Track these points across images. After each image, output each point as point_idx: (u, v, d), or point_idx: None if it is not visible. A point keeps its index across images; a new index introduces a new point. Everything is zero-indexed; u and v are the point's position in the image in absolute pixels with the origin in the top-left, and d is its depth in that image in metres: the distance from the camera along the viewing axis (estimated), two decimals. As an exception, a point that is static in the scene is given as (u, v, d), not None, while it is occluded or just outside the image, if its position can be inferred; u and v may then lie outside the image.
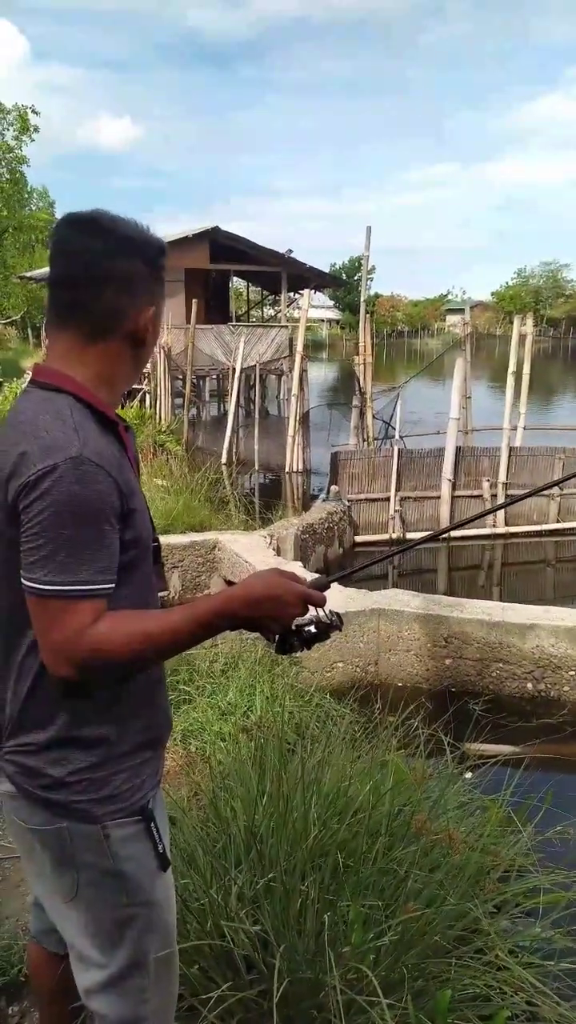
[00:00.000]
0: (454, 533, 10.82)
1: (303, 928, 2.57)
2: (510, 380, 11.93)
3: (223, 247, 27.74)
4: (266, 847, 2.77)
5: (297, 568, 7.07)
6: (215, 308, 30.33)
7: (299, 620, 1.62)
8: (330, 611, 1.67)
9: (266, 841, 2.80)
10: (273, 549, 7.59)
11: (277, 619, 1.57)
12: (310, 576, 1.80)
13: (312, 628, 1.65)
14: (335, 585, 6.46)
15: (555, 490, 11.20)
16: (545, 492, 11.11)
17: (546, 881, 3.05)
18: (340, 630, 1.71)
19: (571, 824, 3.51)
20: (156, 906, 1.73)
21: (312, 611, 1.63)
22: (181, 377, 19.88)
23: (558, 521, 11.30)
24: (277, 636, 1.63)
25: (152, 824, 1.67)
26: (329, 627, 1.67)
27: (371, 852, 2.82)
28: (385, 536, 10.79)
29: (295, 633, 1.64)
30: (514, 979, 2.54)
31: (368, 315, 13.29)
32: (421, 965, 2.68)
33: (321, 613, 1.65)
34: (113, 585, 1.49)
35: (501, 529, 11.14)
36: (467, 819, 3.36)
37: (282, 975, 2.41)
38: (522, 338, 12.47)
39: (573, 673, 5.86)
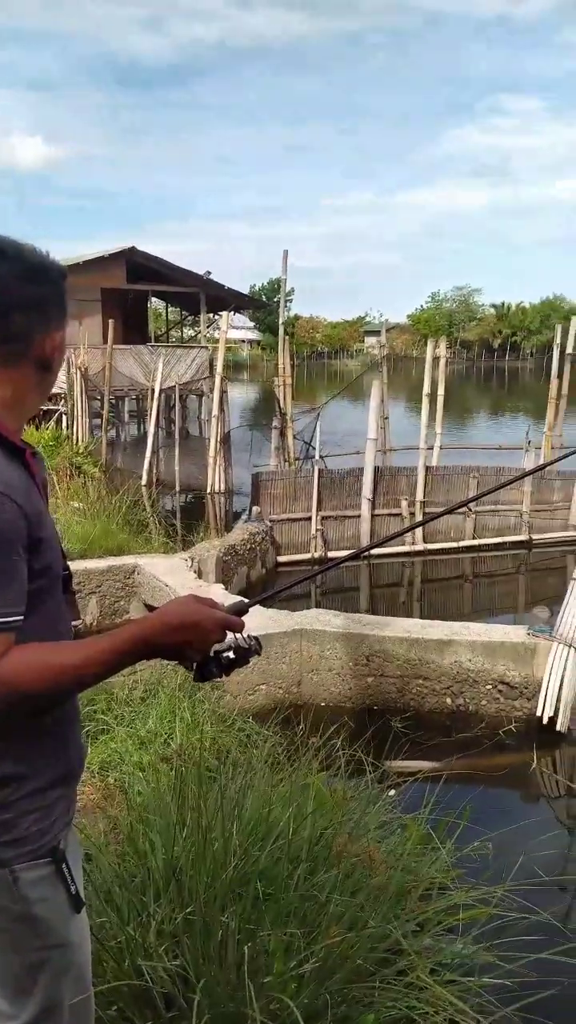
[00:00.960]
0: (375, 551, 10.98)
1: (224, 960, 2.52)
2: (425, 401, 12.24)
3: (141, 267, 27.63)
4: (186, 879, 2.71)
5: (219, 590, 7.02)
6: (133, 328, 30.12)
7: (217, 646, 1.60)
8: (248, 636, 1.66)
9: (186, 873, 2.74)
10: (194, 571, 7.52)
11: (195, 646, 1.55)
12: (232, 599, 1.79)
13: (230, 654, 1.64)
14: (257, 607, 6.42)
15: (471, 508, 11.52)
16: (460, 510, 11.40)
17: (466, 897, 3.09)
18: (259, 654, 1.70)
19: (489, 839, 3.58)
20: (70, 948, 1.67)
21: (230, 636, 1.62)
22: (99, 397, 19.58)
23: (474, 538, 11.61)
24: (196, 663, 1.61)
25: (64, 865, 1.62)
26: (248, 652, 1.66)
27: (292, 878, 2.79)
28: (307, 556, 10.85)
29: (214, 660, 1.62)
30: (435, 999, 2.56)
31: (288, 336, 13.42)
32: (344, 990, 2.67)
33: (239, 638, 1.64)
34: (22, 617, 1.44)
35: (420, 546, 11.36)
36: (388, 838, 3.38)
37: (203, 1010, 2.35)
38: (436, 360, 12.83)
39: (490, 687, 6.00)
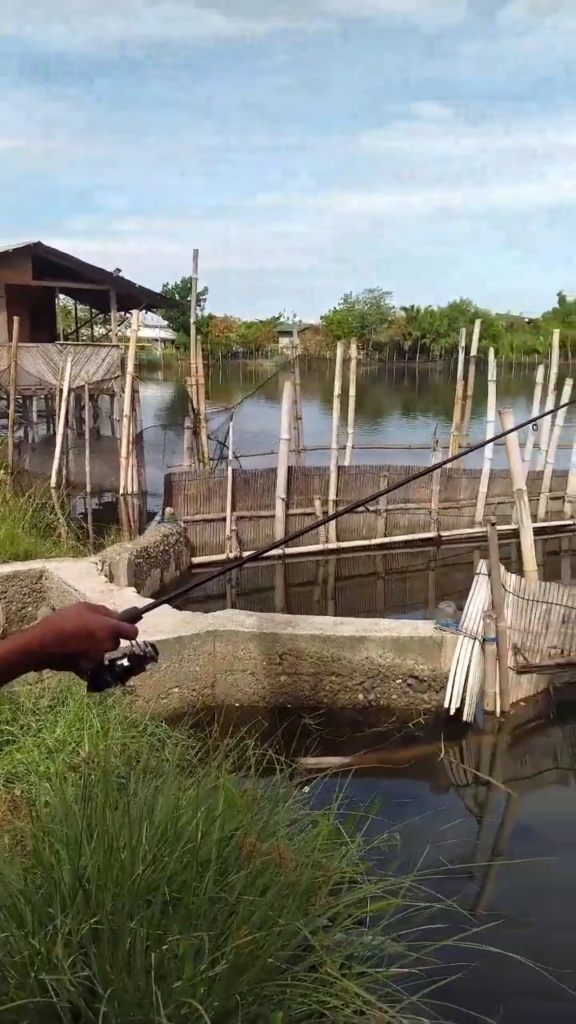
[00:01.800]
0: (288, 550, 11.05)
1: (132, 968, 2.49)
2: (336, 402, 12.40)
3: (48, 263, 26.88)
4: (93, 889, 2.66)
5: (131, 594, 6.92)
6: (42, 326, 29.28)
7: (111, 654, 1.57)
8: (144, 642, 1.63)
9: (93, 883, 2.69)
10: (105, 575, 7.38)
11: (87, 655, 1.51)
12: (146, 603, 1.76)
13: (125, 661, 1.60)
14: (168, 609, 6.33)
15: (382, 506, 11.74)
16: (372, 508, 11.61)
17: (375, 889, 3.15)
18: (155, 661, 1.68)
19: (397, 830, 3.66)
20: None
21: (125, 643, 1.60)
22: (4, 397, 18.97)
23: (385, 536, 11.84)
24: (89, 673, 1.57)
25: None
26: (143, 659, 1.63)
27: (202, 882, 2.78)
28: (222, 556, 10.82)
29: (107, 668, 1.59)
30: (344, 992, 2.60)
31: (201, 336, 13.34)
32: (255, 989, 2.67)
33: (134, 645, 1.62)
34: None
35: (333, 545, 11.51)
36: (299, 836, 3.41)
37: (109, 1021, 2.32)
38: (346, 362, 13.01)
39: (400, 681, 6.14)
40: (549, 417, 12.54)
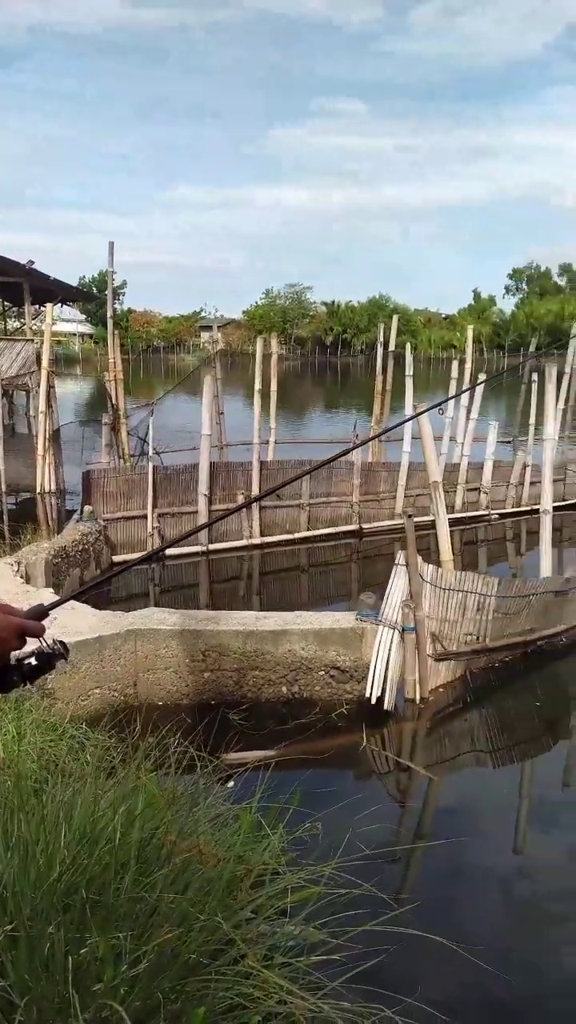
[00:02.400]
0: (212, 546, 11.03)
1: (51, 974, 2.45)
2: (256, 397, 12.42)
3: (-45, 255, 25.88)
4: (8, 896, 2.60)
5: (48, 595, 6.77)
6: (-48, 319, 28.17)
7: (18, 653, 1.54)
8: (53, 640, 1.61)
9: (9, 890, 2.63)
10: (21, 576, 7.19)
11: (-8, 656, 1.48)
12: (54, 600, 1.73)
13: (33, 660, 1.58)
14: (88, 609, 6.21)
15: (304, 500, 11.83)
16: (293, 503, 11.70)
17: (296, 879, 3.18)
18: (66, 659, 1.65)
19: (319, 819, 3.70)
20: None
21: (33, 642, 1.57)
22: None
23: (308, 529, 11.93)
24: None
25: None
26: (52, 657, 1.61)
27: (122, 882, 2.76)
28: (144, 553, 10.69)
29: (15, 668, 1.56)
30: (265, 983, 2.62)
31: (122, 330, 13.10)
32: (178, 987, 2.67)
33: (43, 643, 1.59)
34: None
35: (257, 540, 11.53)
36: (221, 830, 3.41)
37: (27, 1031, 2.27)
38: (267, 357, 13.03)
39: (323, 673, 6.21)
40: (464, 412, 12.89)
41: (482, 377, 13.15)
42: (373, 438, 12.07)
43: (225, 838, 3.32)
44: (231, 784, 4.12)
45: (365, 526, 12.23)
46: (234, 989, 2.65)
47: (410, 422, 10.32)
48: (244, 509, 11.45)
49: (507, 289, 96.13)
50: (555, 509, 13.13)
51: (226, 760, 4.53)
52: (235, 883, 3.07)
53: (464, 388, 12.73)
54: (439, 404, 5.84)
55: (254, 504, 11.45)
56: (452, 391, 13.18)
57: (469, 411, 12.93)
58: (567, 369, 14.30)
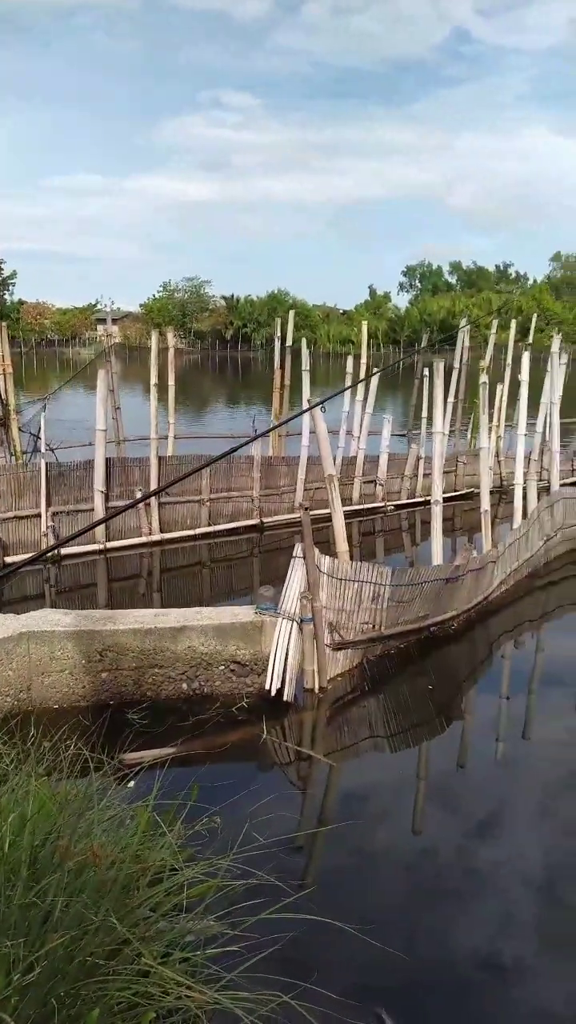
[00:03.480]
0: (110, 543, 10.83)
1: None
2: (153, 391, 12.27)
3: None
4: None
5: None
6: None
7: None
8: None
9: None
10: None
11: None
12: None
13: None
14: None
15: (205, 495, 11.79)
16: (194, 498, 11.64)
17: (193, 874, 3.19)
18: None
19: (218, 813, 3.73)
20: None
21: None
22: None
23: (209, 525, 11.90)
24: None
25: None
26: None
27: (13, 890, 2.69)
28: (35, 554, 10.37)
29: None
30: (162, 980, 2.62)
31: (12, 322, 12.62)
32: (73, 991, 2.64)
33: None
34: None
35: (157, 536, 11.41)
36: (117, 831, 3.38)
37: None
38: (164, 350, 12.88)
39: (223, 667, 6.23)
40: (360, 406, 13.15)
41: (376, 370, 13.42)
42: (265, 433, 12.06)
43: (121, 838, 3.30)
44: (131, 784, 4.09)
45: (266, 520, 12.31)
46: (131, 988, 2.64)
47: (307, 417, 10.45)
48: (143, 506, 11.30)
49: (401, 286, 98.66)
50: (447, 499, 13.61)
51: (124, 760, 4.49)
52: (131, 883, 3.05)
53: (347, 385, 12.98)
54: (321, 402, 5.95)
55: (153, 500, 11.31)
56: (346, 384, 13.41)
57: (364, 405, 13.21)
58: (455, 364, 14.81)
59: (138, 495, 11.31)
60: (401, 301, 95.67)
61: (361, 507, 13.32)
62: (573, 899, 4.37)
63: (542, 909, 4.29)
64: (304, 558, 6.34)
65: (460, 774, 5.78)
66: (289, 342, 14.14)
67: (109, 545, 10.88)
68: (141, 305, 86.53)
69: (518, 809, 5.22)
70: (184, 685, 6.18)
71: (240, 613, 6.38)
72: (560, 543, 10.65)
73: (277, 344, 14.61)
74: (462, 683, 7.40)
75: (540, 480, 11.29)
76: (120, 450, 12.87)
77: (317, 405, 3.75)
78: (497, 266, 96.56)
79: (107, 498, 10.92)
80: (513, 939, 4.01)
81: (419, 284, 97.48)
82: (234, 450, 4.22)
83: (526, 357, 10.00)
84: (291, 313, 14.99)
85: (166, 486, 9.92)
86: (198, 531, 11.81)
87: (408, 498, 14.01)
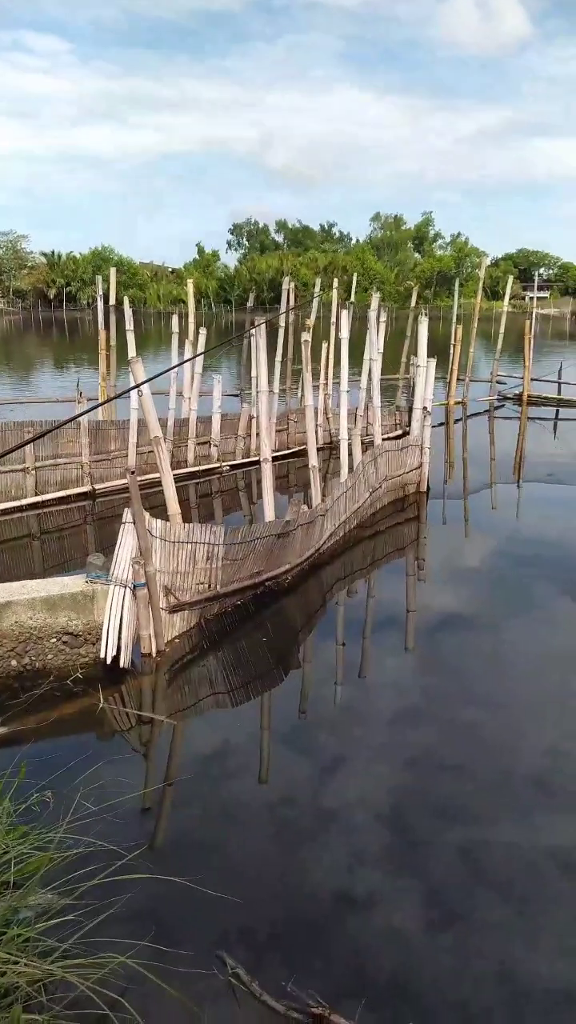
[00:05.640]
0: None
1: None
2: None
3: None
4: None
5: None
6: None
7: None
8: None
9: None
10: None
11: None
12: None
13: None
14: None
15: (30, 464, 11.26)
16: (18, 467, 11.09)
17: (24, 849, 3.12)
18: None
19: (49, 786, 3.66)
20: None
21: None
22: None
23: (37, 494, 11.40)
24: None
25: None
26: None
27: None
28: None
29: None
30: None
31: None
32: None
33: None
34: None
35: (-20, 510, 10.79)
36: None
37: None
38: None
39: (55, 640, 6.05)
40: (189, 367, 12.99)
41: (203, 332, 13.26)
42: (98, 405, 11.73)
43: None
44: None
45: (98, 487, 11.96)
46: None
47: (131, 373, 10.17)
48: (-37, 477, 10.62)
49: (229, 244, 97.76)
50: (281, 457, 13.88)
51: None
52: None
53: (183, 360, 12.81)
54: (151, 379, 5.81)
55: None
56: (174, 345, 13.20)
57: (193, 366, 13.06)
58: (280, 323, 14.94)
59: (-44, 467, 10.62)
60: (230, 259, 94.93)
61: (197, 469, 13.27)
62: (415, 828, 4.63)
63: (386, 841, 4.50)
64: (134, 523, 6.24)
65: (303, 720, 5.96)
66: (115, 300, 13.67)
67: None
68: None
69: (360, 748, 5.46)
70: (14, 662, 5.95)
71: (70, 583, 6.20)
72: (385, 494, 11.17)
73: (100, 303, 14.09)
74: (299, 633, 7.64)
75: (366, 435, 11.74)
76: None
77: (193, 359, 3.64)
78: (322, 225, 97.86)
79: None
80: (357, 872, 4.18)
81: (247, 243, 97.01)
82: (72, 420, 4.03)
83: (345, 315, 10.27)
84: (112, 270, 14.47)
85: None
86: (24, 502, 11.28)
87: (243, 458, 14.10)
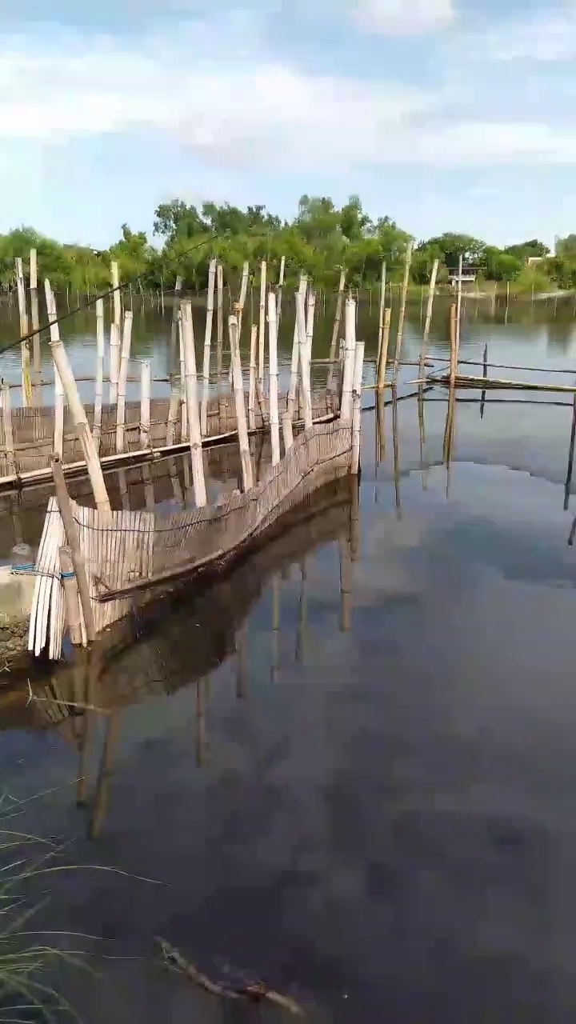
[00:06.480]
0: None
1: None
2: None
3: None
4: None
5: None
6: None
7: None
8: None
9: None
10: None
11: None
12: None
13: None
14: None
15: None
16: None
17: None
18: None
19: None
20: None
21: None
22: None
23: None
24: None
25: None
26: None
27: None
28: None
29: None
30: None
31: None
32: None
33: None
34: None
35: None
36: None
37: None
38: None
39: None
40: (116, 351, 12.74)
41: (129, 316, 13.00)
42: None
43: None
44: None
45: (24, 476, 11.65)
46: None
47: (53, 362, 9.93)
48: None
49: (156, 226, 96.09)
50: (213, 443, 13.76)
51: None
52: None
53: (11, 342, 12.54)
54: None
55: None
56: (99, 329, 12.91)
57: (120, 351, 12.83)
58: (208, 307, 14.77)
59: None
60: (158, 242, 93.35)
61: (127, 455, 13.06)
62: (352, 804, 4.67)
63: (324, 818, 4.52)
64: (60, 512, 6.10)
65: (239, 704, 5.95)
66: (33, 284, 13.29)
67: None
68: None
69: (297, 729, 5.48)
70: None
71: (-5, 575, 6.03)
72: (317, 477, 11.22)
73: (21, 288, 13.68)
74: (234, 619, 7.63)
75: (298, 419, 11.76)
76: None
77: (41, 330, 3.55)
78: (250, 208, 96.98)
79: None
80: (295, 851, 4.19)
81: (174, 225, 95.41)
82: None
83: (272, 299, 10.23)
84: (33, 252, 14.04)
85: None
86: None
87: (175, 443, 13.93)
